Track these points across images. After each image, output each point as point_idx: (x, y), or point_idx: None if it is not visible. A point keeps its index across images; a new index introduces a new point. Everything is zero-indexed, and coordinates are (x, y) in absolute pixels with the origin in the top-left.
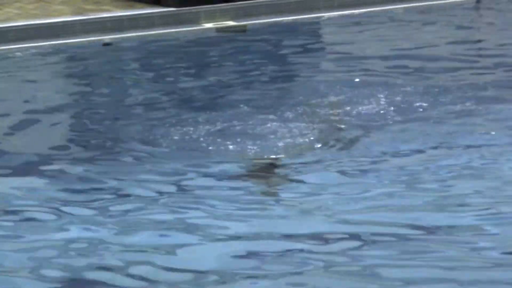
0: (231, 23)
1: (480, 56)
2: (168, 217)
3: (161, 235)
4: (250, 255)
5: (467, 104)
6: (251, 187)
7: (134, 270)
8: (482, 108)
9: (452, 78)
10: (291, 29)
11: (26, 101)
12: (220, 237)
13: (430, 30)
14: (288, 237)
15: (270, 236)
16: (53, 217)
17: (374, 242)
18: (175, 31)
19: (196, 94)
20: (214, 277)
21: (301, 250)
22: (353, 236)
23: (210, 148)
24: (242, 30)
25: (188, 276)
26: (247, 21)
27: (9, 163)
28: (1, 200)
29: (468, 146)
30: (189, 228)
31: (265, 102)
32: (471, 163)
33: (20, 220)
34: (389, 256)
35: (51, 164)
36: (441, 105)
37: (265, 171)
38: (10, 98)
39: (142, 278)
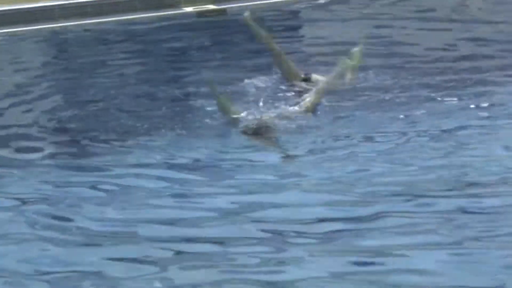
0: (211, 6)
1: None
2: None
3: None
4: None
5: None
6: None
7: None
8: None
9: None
10: (272, 11)
11: (4, 86)
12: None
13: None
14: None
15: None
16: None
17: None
18: (156, 15)
19: (177, 78)
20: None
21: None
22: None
23: (201, 129)
24: (222, 13)
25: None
26: (227, 4)
27: None
28: None
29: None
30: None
31: (247, 86)
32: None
33: None
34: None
35: (26, 152)
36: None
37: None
38: None
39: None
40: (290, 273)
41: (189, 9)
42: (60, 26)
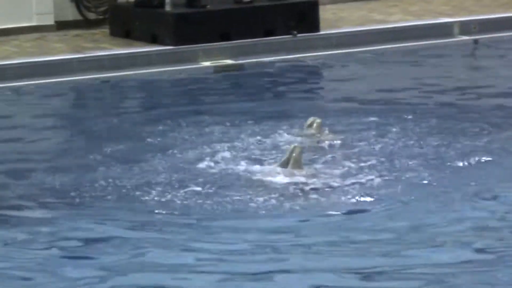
0: (228, 61)
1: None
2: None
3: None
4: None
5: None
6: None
7: None
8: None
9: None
10: (288, 67)
11: (23, 139)
12: None
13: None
14: None
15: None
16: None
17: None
18: (173, 69)
19: (193, 132)
20: None
21: None
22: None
23: (211, 185)
24: (239, 68)
25: None
26: (244, 59)
27: None
28: None
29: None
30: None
31: (261, 140)
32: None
33: None
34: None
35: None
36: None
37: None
38: (7, 136)
39: None
40: None
41: (206, 63)
42: (77, 79)
